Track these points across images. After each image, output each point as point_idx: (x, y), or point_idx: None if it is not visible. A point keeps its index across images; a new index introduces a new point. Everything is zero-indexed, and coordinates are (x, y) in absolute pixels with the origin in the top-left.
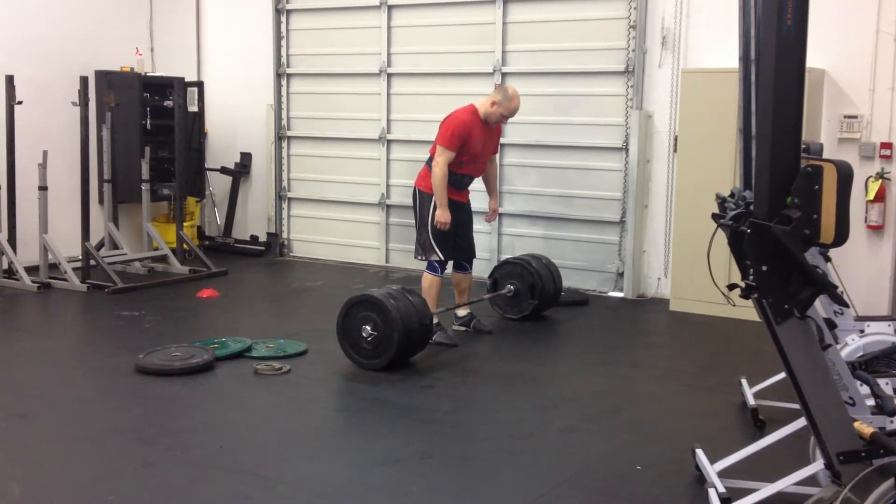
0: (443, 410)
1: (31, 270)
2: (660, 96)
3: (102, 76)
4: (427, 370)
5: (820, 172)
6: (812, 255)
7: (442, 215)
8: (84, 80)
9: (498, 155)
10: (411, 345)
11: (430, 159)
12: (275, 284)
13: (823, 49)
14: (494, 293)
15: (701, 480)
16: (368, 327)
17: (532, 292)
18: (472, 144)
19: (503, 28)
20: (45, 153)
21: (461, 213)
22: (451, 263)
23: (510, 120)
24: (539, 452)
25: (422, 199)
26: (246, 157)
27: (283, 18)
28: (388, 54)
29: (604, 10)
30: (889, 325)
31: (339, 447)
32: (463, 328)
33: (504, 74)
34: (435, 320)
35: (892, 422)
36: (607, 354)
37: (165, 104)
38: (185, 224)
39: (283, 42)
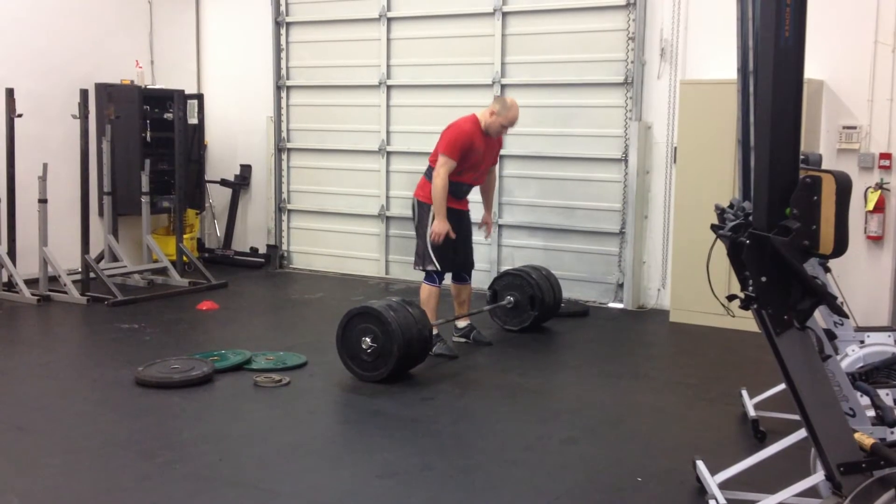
0: (442, 422)
1: (31, 283)
2: (659, 107)
3: (102, 89)
4: (427, 382)
5: (819, 183)
6: (811, 266)
7: (439, 226)
8: (84, 93)
9: (497, 166)
10: (411, 356)
11: (430, 170)
12: (274, 296)
13: (821, 60)
14: (494, 304)
15: (702, 492)
16: (368, 339)
17: (532, 303)
18: (474, 154)
19: (502, 40)
20: (45, 166)
21: (461, 222)
22: (449, 275)
23: (510, 131)
24: (539, 464)
25: (420, 209)
26: (246, 170)
27: (283, 31)
28: (388, 66)
29: (603, 22)
30: (889, 336)
31: (339, 459)
32: (463, 339)
33: (503, 86)
34: (434, 332)
35: (892, 432)
36: (607, 366)
37: (165, 116)
38: (184, 236)
39: (283, 54)
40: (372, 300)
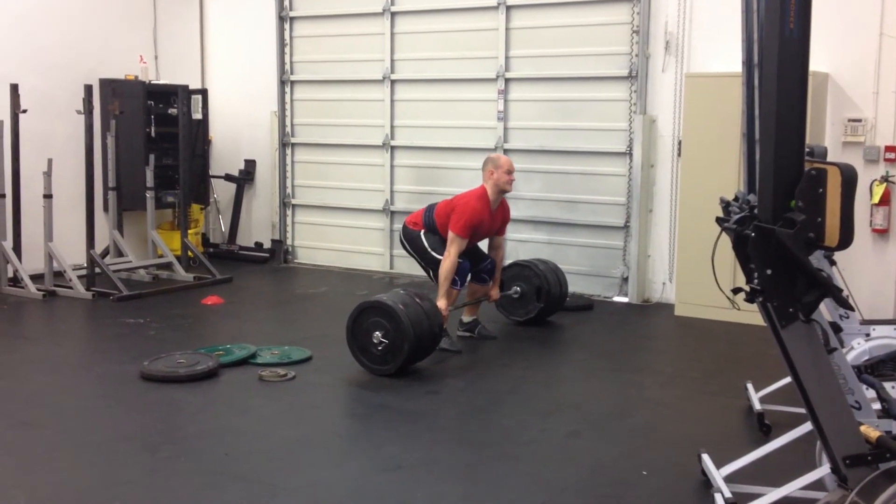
0: (447, 416)
1: (37, 278)
2: (663, 101)
3: (107, 84)
4: (432, 376)
5: (824, 175)
6: (817, 259)
7: (443, 306)
8: (88, 89)
9: (505, 237)
10: (420, 351)
11: (432, 207)
12: (279, 291)
13: (827, 52)
14: (500, 294)
15: (707, 485)
16: (379, 334)
17: (538, 295)
18: (481, 229)
19: (506, 34)
20: (49, 161)
21: None
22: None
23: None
24: (544, 458)
25: (411, 234)
26: (250, 164)
27: (287, 26)
28: (392, 61)
29: (607, 16)
30: (895, 329)
31: (344, 454)
32: (468, 334)
33: (507, 80)
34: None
35: None
36: (612, 360)
37: (170, 112)
38: (189, 231)
39: (287, 49)
40: (381, 294)
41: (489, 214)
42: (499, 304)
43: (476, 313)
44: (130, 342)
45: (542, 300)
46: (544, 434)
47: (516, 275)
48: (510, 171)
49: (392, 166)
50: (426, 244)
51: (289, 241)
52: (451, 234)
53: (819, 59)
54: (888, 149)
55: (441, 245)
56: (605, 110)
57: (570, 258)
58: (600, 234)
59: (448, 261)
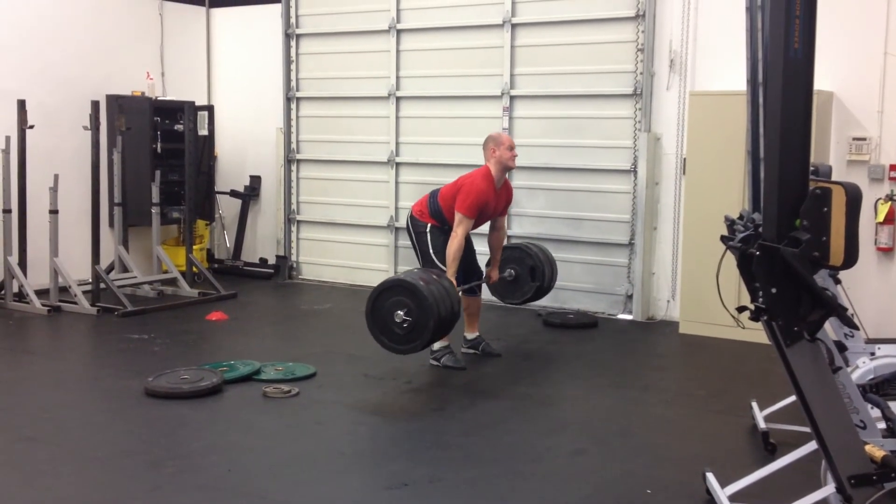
0: (451, 433)
1: (42, 294)
2: (668, 119)
3: (113, 100)
4: (436, 393)
5: (828, 194)
6: (822, 278)
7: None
8: (95, 105)
9: (506, 218)
10: (443, 327)
11: (436, 192)
12: (283, 307)
13: (831, 71)
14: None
15: None
16: (401, 312)
17: (533, 275)
18: (487, 208)
19: (511, 51)
20: (56, 177)
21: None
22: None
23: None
24: (548, 476)
25: (418, 226)
26: (255, 181)
27: (293, 43)
28: (397, 78)
29: (611, 34)
30: None
31: (348, 470)
32: (472, 351)
33: (512, 97)
34: (444, 343)
35: None
36: (617, 377)
37: (176, 128)
38: (194, 247)
39: (293, 66)
40: (398, 274)
41: (494, 193)
42: (494, 290)
43: (478, 329)
44: (135, 358)
45: (537, 279)
46: (549, 451)
47: (508, 258)
48: (512, 147)
49: (397, 183)
50: (430, 245)
51: (293, 258)
52: (458, 215)
53: (823, 78)
54: (893, 167)
55: (444, 249)
56: (609, 128)
57: (575, 275)
58: (605, 251)
59: (456, 241)
